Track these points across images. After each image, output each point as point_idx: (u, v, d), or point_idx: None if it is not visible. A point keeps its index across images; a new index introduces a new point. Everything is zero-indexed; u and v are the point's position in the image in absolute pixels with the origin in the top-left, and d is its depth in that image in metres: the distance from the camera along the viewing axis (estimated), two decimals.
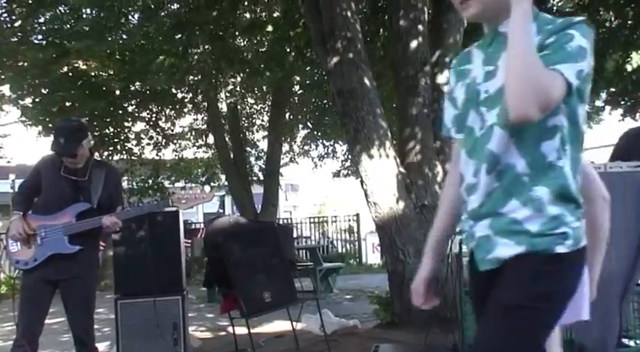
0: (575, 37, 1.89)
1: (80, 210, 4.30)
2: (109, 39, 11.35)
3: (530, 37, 1.88)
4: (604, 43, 10.11)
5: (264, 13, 13.06)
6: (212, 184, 18.95)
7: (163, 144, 17.82)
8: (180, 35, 10.89)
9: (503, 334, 1.92)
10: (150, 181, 17.47)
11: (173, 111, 17.33)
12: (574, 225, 1.93)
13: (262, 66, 12.39)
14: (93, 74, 13.67)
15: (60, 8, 11.71)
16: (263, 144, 18.29)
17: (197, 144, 19.55)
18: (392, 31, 7.80)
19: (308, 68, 12.86)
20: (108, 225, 4.26)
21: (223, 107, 17.03)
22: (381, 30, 9.83)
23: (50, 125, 13.37)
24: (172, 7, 11.66)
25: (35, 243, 4.26)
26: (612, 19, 10.41)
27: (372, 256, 19.42)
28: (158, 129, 17.35)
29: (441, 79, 7.74)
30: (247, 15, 12.86)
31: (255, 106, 19.09)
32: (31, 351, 4.19)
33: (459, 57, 2.29)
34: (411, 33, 7.50)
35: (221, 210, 28.29)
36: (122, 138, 15.80)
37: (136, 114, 15.97)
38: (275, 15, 12.86)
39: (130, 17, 12.14)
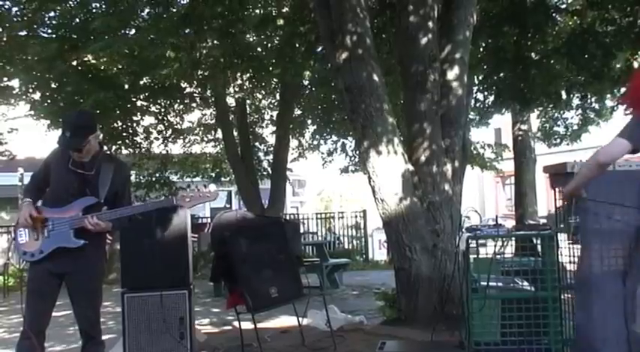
0: None
1: (87, 204, 4.29)
2: (120, 34, 11.38)
3: None
4: (613, 41, 10.05)
5: (274, 9, 13.07)
6: (222, 179, 18.99)
7: (172, 138, 17.85)
8: (188, 30, 10.90)
9: None
10: (157, 175, 17.52)
11: (182, 106, 17.35)
12: None
13: (272, 61, 12.40)
14: (102, 68, 13.70)
15: (69, 2, 11.75)
16: (272, 139, 18.29)
17: (205, 139, 19.59)
18: (401, 27, 7.78)
19: (317, 64, 12.85)
20: (91, 227, 4.24)
21: (232, 102, 17.04)
22: (387, 26, 9.81)
23: (59, 119, 13.42)
24: (182, 1, 11.68)
25: (42, 235, 4.27)
26: (621, 17, 10.35)
27: (379, 252, 19.43)
28: (167, 124, 17.38)
29: (450, 75, 7.72)
30: (257, 11, 12.87)
31: (263, 101, 19.09)
32: (37, 343, 4.20)
33: None
34: (420, 29, 7.48)
35: (228, 205, 28.31)
36: (130, 131, 15.84)
37: (145, 109, 16.00)
38: (284, 10, 12.87)
39: (140, 12, 12.16)
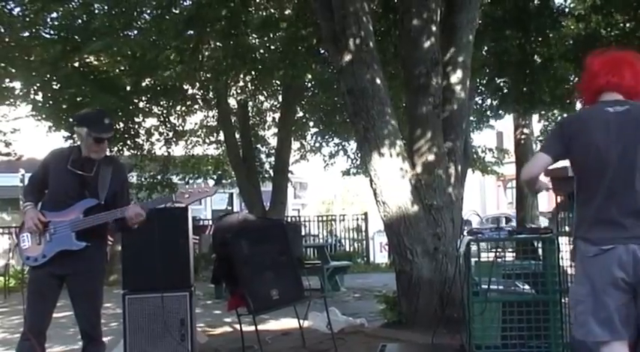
0: None
1: (88, 206, 4.29)
2: (122, 36, 11.40)
3: None
4: (618, 45, 10.06)
5: (275, 11, 13.09)
6: (224, 181, 19.01)
7: (174, 140, 17.87)
8: (191, 32, 10.91)
9: None
10: (159, 177, 17.54)
11: (184, 108, 17.37)
12: None
13: (274, 64, 12.41)
14: (104, 69, 13.71)
15: (72, 3, 11.76)
16: (274, 141, 18.33)
17: (207, 140, 19.61)
18: (404, 30, 7.78)
19: (319, 66, 12.86)
20: (131, 217, 4.24)
21: (234, 104, 17.06)
22: (392, 29, 9.81)
23: (62, 121, 13.44)
24: (184, 3, 11.70)
25: (45, 240, 4.26)
26: (626, 21, 10.35)
27: (380, 255, 19.44)
28: (169, 126, 17.40)
29: (452, 78, 7.72)
30: (260, 13, 12.89)
31: (266, 103, 19.12)
32: (37, 344, 4.19)
33: None
34: (423, 32, 7.47)
35: (229, 207, 28.34)
36: (132, 133, 15.85)
37: (147, 110, 16.01)
38: (287, 13, 12.88)
39: (143, 13, 12.18)
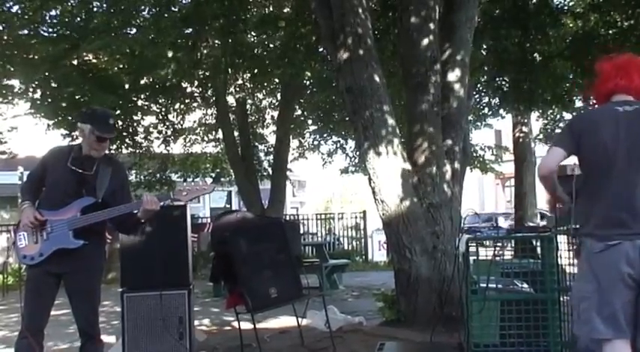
0: None
1: (85, 204, 4.27)
2: (121, 34, 11.39)
3: None
4: (615, 44, 10.06)
5: (273, 9, 13.09)
6: (222, 179, 18.99)
7: (172, 138, 17.85)
8: (190, 30, 10.91)
9: None
10: (157, 175, 17.52)
11: (182, 106, 17.35)
12: None
13: (272, 62, 12.41)
14: (103, 67, 13.70)
15: (70, 1, 11.75)
16: (272, 139, 18.31)
17: (206, 138, 19.59)
18: (402, 28, 7.78)
19: (318, 65, 12.86)
20: (148, 202, 4.24)
21: (232, 102, 17.04)
22: (391, 27, 9.81)
23: (59, 118, 13.42)
24: (183, 1, 11.69)
25: (42, 238, 4.25)
26: (624, 20, 10.35)
27: (379, 253, 19.44)
28: (167, 124, 17.38)
29: (451, 77, 7.72)
30: (258, 11, 12.89)
31: (264, 101, 19.10)
32: (35, 343, 4.18)
33: None
34: (421, 31, 7.47)
35: (228, 206, 28.30)
36: (131, 131, 15.83)
37: (146, 108, 15.99)
38: (285, 11, 12.89)
39: (141, 12, 12.17)
